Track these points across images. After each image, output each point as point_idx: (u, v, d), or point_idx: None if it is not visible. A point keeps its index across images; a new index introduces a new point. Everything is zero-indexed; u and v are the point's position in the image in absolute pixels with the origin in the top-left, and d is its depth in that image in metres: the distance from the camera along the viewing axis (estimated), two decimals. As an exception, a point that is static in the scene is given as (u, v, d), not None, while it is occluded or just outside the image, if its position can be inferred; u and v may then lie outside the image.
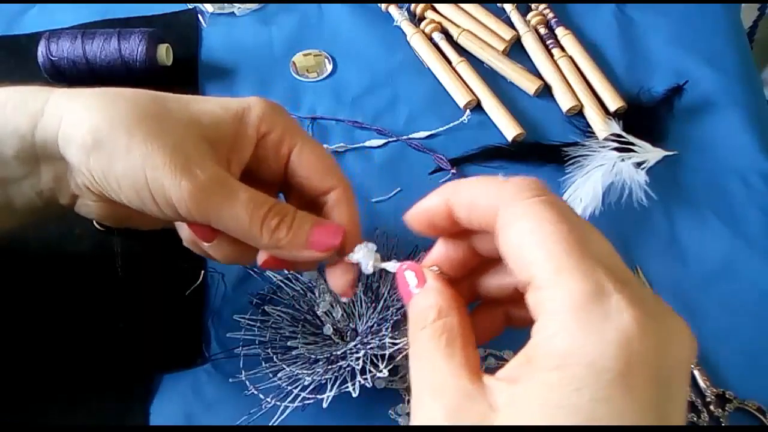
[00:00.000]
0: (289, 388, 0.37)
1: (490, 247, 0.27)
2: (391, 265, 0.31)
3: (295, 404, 0.36)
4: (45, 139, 0.32)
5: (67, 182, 0.34)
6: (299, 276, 0.43)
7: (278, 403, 0.37)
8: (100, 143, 0.31)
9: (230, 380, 0.40)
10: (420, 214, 0.28)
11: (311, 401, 0.36)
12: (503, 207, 0.24)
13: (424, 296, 0.27)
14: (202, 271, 0.44)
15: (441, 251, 0.29)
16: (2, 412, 0.39)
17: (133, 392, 0.40)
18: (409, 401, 0.39)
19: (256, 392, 0.38)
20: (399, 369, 0.39)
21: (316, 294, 0.41)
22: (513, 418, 0.21)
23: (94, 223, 0.43)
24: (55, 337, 0.41)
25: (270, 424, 0.37)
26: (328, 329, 0.40)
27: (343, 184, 0.35)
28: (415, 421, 0.23)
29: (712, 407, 0.40)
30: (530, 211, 0.23)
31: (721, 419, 0.40)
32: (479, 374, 0.23)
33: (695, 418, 0.40)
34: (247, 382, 0.39)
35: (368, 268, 0.32)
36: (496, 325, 0.30)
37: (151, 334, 0.42)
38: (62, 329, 0.42)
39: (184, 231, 0.36)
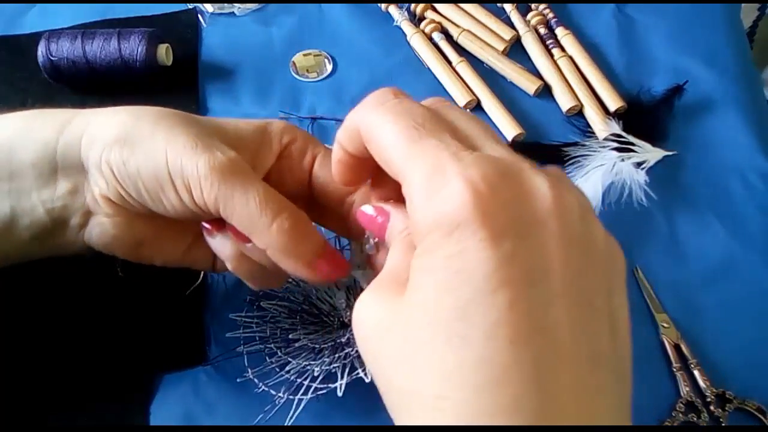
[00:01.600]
0: (300, 380, 0.37)
1: None
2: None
3: (309, 396, 0.36)
4: (68, 143, 0.33)
5: (82, 195, 0.34)
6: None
7: (291, 396, 0.37)
8: (125, 136, 0.32)
9: (237, 380, 0.39)
10: (334, 166, 0.30)
11: (324, 391, 0.36)
12: (360, 129, 0.26)
13: (394, 222, 0.28)
14: (202, 271, 0.44)
15: (368, 192, 0.31)
16: (2, 412, 0.39)
17: (133, 392, 0.40)
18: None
19: (266, 389, 0.38)
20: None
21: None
22: (409, 288, 0.23)
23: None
24: (55, 337, 0.41)
25: (287, 418, 0.38)
26: (341, 297, 0.40)
27: (364, 189, 0.35)
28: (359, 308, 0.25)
29: (712, 407, 0.40)
30: (379, 119, 0.25)
31: (721, 419, 0.40)
32: None
33: (695, 418, 0.40)
34: (256, 380, 0.39)
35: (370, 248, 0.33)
36: None
37: (151, 334, 0.42)
38: (62, 329, 0.42)
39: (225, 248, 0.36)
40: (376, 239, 0.32)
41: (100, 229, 0.35)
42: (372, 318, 0.24)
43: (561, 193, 0.22)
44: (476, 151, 0.23)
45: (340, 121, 0.54)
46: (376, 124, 0.25)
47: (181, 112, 0.34)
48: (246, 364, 0.40)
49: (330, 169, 0.33)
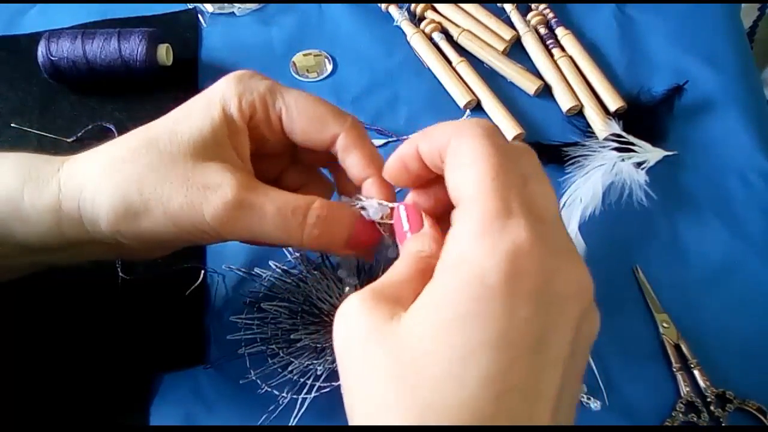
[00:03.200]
0: (303, 379, 0.37)
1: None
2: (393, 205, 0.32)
3: (313, 394, 0.36)
4: (72, 228, 0.33)
5: (106, 249, 0.35)
6: (290, 270, 0.43)
7: (295, 396, 0.37)
8: (121, 214, 0.31)
9: (240, 381, 0.40)
10: (395, 162, 0.29)
11: (328, 389, 0.36)
12: (451, 143, 0.26)
13: (420, 240, 0.28)
14: (202, 271, 0.44)
15: (414, 199, 0.31)
16: (2, 411, 0.39)
17: (133, 392, 0.40)
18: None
19: (269, 389, 0.38)
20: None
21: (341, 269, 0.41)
22: (412, 316, 0.23)
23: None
24: (56, 337, 0.41)
25: (292, 417, 0.38)
26: (347, 277, 0.39)
27: (346, 128, 0.34)
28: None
29: (712, 407, 0.40)
30: (471, 145, 0.25)
31: (721, 419, 0.40)
32: None
33: (695, 418, 0.40)
34: (258, 381, 0.39)
35: (374, 214, 0.32)
36: None
37: (152, 334, 0.42)
38: (63, 329, 0.42)
39: None
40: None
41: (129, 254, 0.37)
42: (361, 327, 0.24)
43: (589, 282, 0.24)
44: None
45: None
46: (477, 144, 0.25)
47: (152, 144, 0.32)
48: (248, 366, 0.40)
49: (295, 123, 0.33)
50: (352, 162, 0.34)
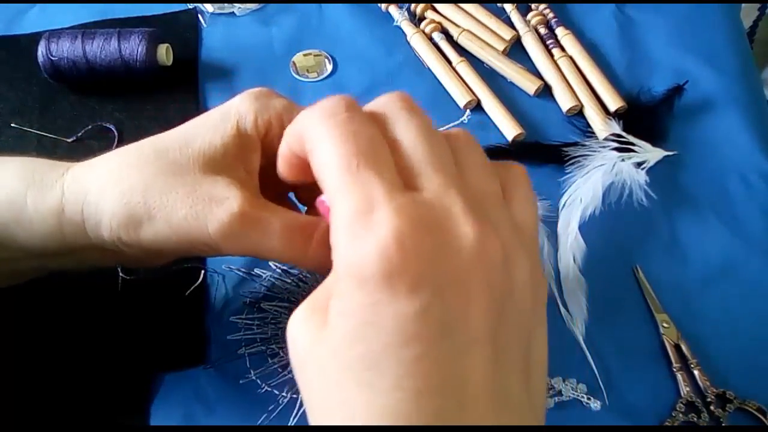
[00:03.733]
0: None
1: None
2: None
3: None
4: (75, 233, 0.33)
5: (107, 254, 0.35)
6: (290, 270, 0.43)
7: (294, 396, 0.37)
8: (124, 221, 0.31)
9: (240, 381, 0.40)
10: (279, 162, 0.29)
11: None
12: (305, 133, 0.25)
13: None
14: (202, 271, 0.44)
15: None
16: (2, 411, 0.39)
17: (133, 392, 0.40)
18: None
19: (269, 389, 0.38)
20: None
21: None
22: (329, 328, 0.22)
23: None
24: (56, 337, 0.41)
25: (291, 416, 0.38)
26: None
27: None
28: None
29: (712, 407, 0.40)
30: (322, 134, 0.24)
31: (721, 419, 0.40)
32: None
33: (695, 418, 0.40)
34: (258, 381, 0.39)
35: None
36: None
37: (152, 334, 0.42)
38: (63, 329, 0.42)
39: None
40: None
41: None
42: (300, 339, 0.24)
43: (485, 240, 0.22)
44: (410, 190, 0.23)
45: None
46: (319, 139, 0.24)
47: (162, 153, 0.32)
48: (248, 366, 0.40)
49: None
50: None
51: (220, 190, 0.31)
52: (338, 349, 0.22)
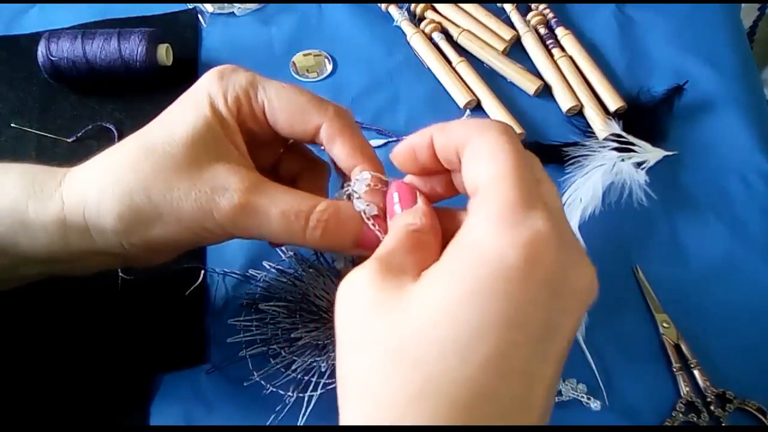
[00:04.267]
0: (307, 377, 0.37)
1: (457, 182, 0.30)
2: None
3: (318, 392, 0.37)
4: (80, 238, 0.33)
5: (114, 258, 0.35)
6: (285, 270, 0.43)
7: (300, 394, 0.37)
8: (131, 223, 0.32)
9: (244, 384, 0.40)
10: (405, 148, 0.30)
11: (333, 386, 0.37)
12: (471, 138, 0.27)
13: (412, 215, 0.29)
14: (202, 271, 0.44)
15: (410, 180, 0.32)
16: (2, 411, 0.39)
17: (133, 392, 0.40)
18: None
19: (274, 389, 0.38)
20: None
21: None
22: (423, 286, 0.24)
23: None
24: (56, 337, 0.41)
25: (300, 416, 0.38)
26: (339, 262, 0.39)
27: (328, 117, 0.33)
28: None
29: (712, 407, 0.40)
30: (492, 140, 0.26)
31: (721, 419, 0.40)
32: None
33: (695, 418, 0.40)
34: (263, 382, 0.39)
35: (359, 187, 0.32)
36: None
37: (152, 334, 0.42)
38: (63, 329, 0.42)
39: None
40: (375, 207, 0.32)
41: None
42: (368, 300, 0.24)
43: (595, 280, 0.25)
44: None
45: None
46: (499, 141, 0.26)
47: (153, 151, 0.32)
48: (251, 368, 0.40)
49: (278, 114, 0.33)
50: (338, 152, 0.33)
51: (219, 179, 0.31)
52: (437, 309, 0.23)
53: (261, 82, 0.34)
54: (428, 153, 0.29)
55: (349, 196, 0.33)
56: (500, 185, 0.25)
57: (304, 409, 0.37)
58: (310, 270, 0.42)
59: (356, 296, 0.25)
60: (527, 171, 0.25)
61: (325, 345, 0.38)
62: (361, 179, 0.32)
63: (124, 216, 0.32)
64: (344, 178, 0.35)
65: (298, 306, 0.41)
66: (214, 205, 0.31)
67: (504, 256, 0.23)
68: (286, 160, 0.38)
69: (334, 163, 0.35)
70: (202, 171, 0.32)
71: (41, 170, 0.35)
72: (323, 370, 0.37)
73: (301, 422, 0.38)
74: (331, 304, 0.40)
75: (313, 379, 0.37)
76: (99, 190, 0.32)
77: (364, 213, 0.32)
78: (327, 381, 0.37)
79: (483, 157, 0.26)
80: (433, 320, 0.22)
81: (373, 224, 0.31)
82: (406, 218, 0.29)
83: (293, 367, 0.38)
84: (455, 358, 0.22)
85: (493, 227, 0.24)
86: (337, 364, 0.25)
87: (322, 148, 0.35)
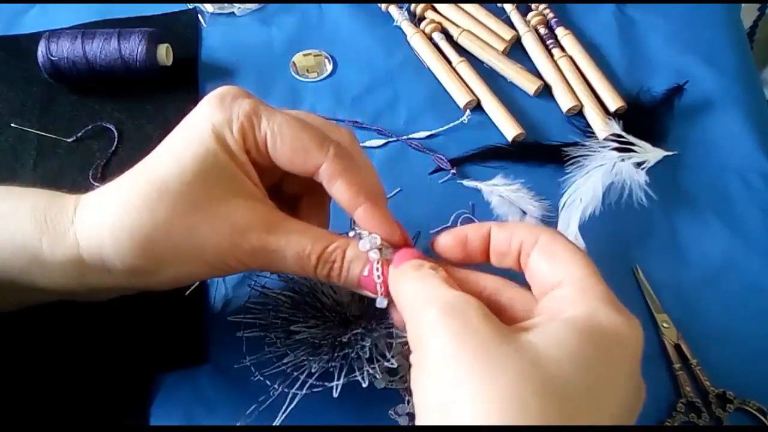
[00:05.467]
0: (296, 374, 0.37)
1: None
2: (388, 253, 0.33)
3: (303, 392, 0.36)
4: (98, 279, 0.33)
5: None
6: None
7: (286, 390, 0.37)
8: (145, 273, 0.32)
9: (235, 366, 0.40)
10: (456, 236, 0.33)
11: (320, 389, 0.36)
12: (542, 238, 0.30)
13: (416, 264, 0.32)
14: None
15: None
16: (2, 412, 0.39)
17: (133, 392, 0.40)
18: (409, 401, 0.39)
19: (262, 378, 0.38)
20: (399, 369, 0.39)
21: None
22: (545, 335, 0.26)
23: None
24: (56, 337, 0.41)
25: (281, 411, 0.38)
26: (346, 293, 0.40)
27: (328, 157, 0.32)
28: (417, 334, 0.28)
29: (712, 407, 0.40)
30: (566, 242, 0.30)
31: (721, 419, 0.40)
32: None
33: (696, 418, 0.40)
34: (252, 368, 0.39)
35: (363, 246, 0.33)
36: None
37: (151, 333, 0.42)
38: (63, 329, 0.41)
39: None
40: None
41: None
42: (490, 327, 0.26)
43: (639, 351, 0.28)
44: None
45: (340, 120, 0.54)
46: (572, 245, 0.30)
47: (163, 184, 0.31)
48: (244, 350, 0.40)
49: (278, 152, 0.32)
50: (337, 194, 0.33)
51: (238, 217, 0.32)
52: (567, 358, 0.25)
53: (264, 112, 0.32)
54: (480, 245, 0.32)
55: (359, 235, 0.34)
56: (595, 280, 0.29)
57: (286, 406, 0.37)
58: None
59: (474, 323, 0.26)
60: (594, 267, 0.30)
61: (321, 345, 0.38)
62: (369, 240, 0.33)
63: (145, 258, 0.32)
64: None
65: (304, 299, 0.41)
66: (235, 246, 0.32)
67: (624, 337, 0.26)
68: (288, 180, 0.38)
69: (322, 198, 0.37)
70: (220, 207, 0.32)
71: (51, 203, 0.33)
72: (313, 370, 0.37)
73: (279, 419, 0.38)
74: (337, 303, 0.40)
75: (301, 377, 0.37)
76: (115, 233, 0.31)
77: (370, 258, 0.33)
78: (314, 382, 0.37)
79: (565, 257, 0.29)
80: (564, 359, 0.25)
81: (377, 269, 0.33)
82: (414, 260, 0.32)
83: (285, 360, 0.38)
84: (592, 396, 0.25)
85: (606, 309, 0.27)
86: (427, 382, 0.26)
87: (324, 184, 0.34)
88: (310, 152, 0.32)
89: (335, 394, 0.36)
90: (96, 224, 0.32)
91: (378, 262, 0.32)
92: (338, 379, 0.36)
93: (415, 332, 0.27)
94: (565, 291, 0.29)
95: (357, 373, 0.36)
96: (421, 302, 0.28)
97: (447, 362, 0.25)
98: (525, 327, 0.27)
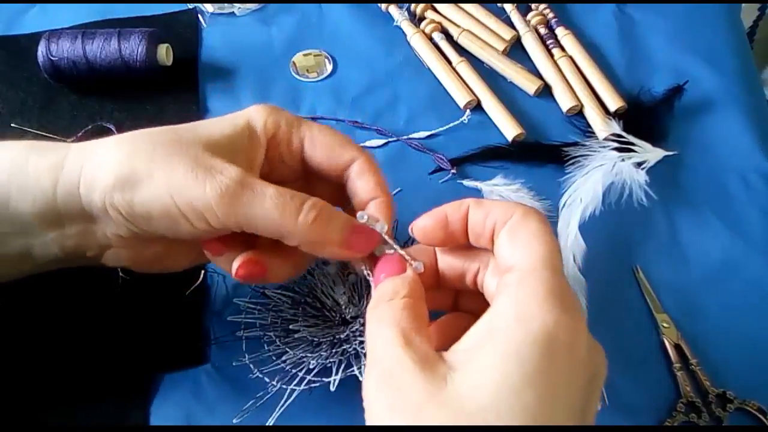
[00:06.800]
0: (294, 371, 0.37)
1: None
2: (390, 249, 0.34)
3: (301, 387, 0.37)
4: (67, 192, 0.33)
5: (93, 235, 0.35)
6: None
7: (284, 386, 0.37)
8: (124, 178, 0.32)
9: (234, 363, 0.40)
10: (439, 216, 0.32)
11: (317, 384, 0.37)
12: (515, 218, 0.30)
13: (397, 281, 0.32)
14: (202, 271, 0.44)
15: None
16: (2, 412, 0.39)
17: (133, 392, 0.40)
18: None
19: (261, 375, 0.38)
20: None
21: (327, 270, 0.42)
22: (471, 374, 0.25)
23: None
24: (56, 337, 0.41)
25: (278, 407, 0.38)
26: (344, 293, 0.40)
27: (363, 155, 0.36)
28: (368, 385, 0.27)
29: (712, 407, 0.40)
30: (538, 226, 0.29)
31: (721, 419, 0.40)
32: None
33: (696, 418, 0.40)
34: (251, 366, 0.39)
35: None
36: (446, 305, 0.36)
37: (151, 334, 0.42)
38: (63, 329, 0.42)
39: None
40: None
41: (116, 256, 0.36)
42: (419, 393, 0.26)
43: (604, 356, 0.28)
44: None
45: (340, 120, 0.54)
46: (541, 229, 0.29)
47: (171, 131, 0.34)
48: (243, 350, 0.40)
49: (318, 145, 0.36)
50: (363, 184, 0.36)
51: (219, 164, 0.32)
52: (492, 400, 0.24)
53: (305, 121, 0.37)
54: (461, 225, 0.32)
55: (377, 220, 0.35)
56: (544, 267, 0.28)
57: (284, 401, 0.37)
58: (323, 266, 0.42)
59: (405, 391, 0.26)
60: (560, 261, 0.28)
61: (320, 343, 0.38)
62: (378, 227, 0.34)
63: (117, 172, 0.32)
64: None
65: (303, 299, 0.41)
66: (208, 179, 0.31)
67: (554, 335, 0.25)
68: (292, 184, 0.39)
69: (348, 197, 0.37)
70: (206, 156, 0.32)
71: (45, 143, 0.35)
72: (311, 366, 0.37)
73: (275, 415, 0.38)
74: (336, 304, 0.40)
75: (300, 374, 0.37)
76: (108, 149, 0.33)
77: (362, 218, 0.34)
78: (312, 378, 0.37)
79: (525, 240, 0.29)
80: (490, 408, 0.24)
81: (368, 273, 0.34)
82: (394, 284, 0.31)
83: (283, 358, 0.38)
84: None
85: (540, 305, 0.26)
86: None
87: (344, 181, 0.37)
88: (346, 149, 0.36)
89: (332, 388, 0.36)
90: (95, 143, 0.34)
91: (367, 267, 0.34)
92: (336, 374, 0.36)
93: (365, 377, 0.28)
94: (509, 279, 0.28)
95: (354, 368, 0.36)
96: (371, 358, 0.29)
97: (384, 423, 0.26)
98: (454, 364, 0.26)
